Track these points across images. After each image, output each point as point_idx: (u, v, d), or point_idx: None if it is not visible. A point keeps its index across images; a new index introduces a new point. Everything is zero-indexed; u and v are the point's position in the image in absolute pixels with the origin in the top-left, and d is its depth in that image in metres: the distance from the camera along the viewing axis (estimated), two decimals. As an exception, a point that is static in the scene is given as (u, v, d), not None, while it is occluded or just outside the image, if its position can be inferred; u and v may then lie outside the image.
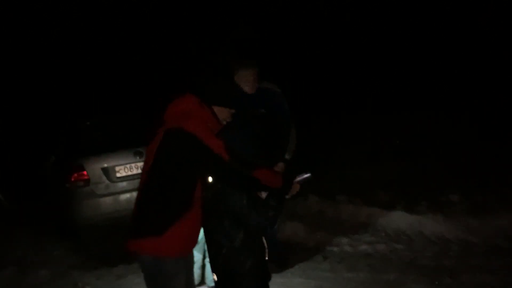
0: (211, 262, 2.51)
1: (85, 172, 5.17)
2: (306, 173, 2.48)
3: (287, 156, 3.98)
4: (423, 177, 6.64)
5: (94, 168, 5.23)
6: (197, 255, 3.41)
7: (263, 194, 2.48)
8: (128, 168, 5.30)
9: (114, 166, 5.27)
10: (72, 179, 5.19)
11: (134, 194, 2.85)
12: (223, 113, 2.39)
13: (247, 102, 3.75)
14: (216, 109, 2.36)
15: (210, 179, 2.37)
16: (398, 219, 4.98)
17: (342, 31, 11.50)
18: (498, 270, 3.84)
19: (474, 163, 6.90)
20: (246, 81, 3.80)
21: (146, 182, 2.29)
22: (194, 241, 2.39)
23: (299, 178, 2.47)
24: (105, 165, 5.26)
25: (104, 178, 5.24)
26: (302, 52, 11.68)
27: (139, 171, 5.05)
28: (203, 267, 3.58)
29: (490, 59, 9.77)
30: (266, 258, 2.54)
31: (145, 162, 2.36)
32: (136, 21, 12.06)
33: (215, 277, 2.49)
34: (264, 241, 2.54)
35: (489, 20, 9.84)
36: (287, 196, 2.44)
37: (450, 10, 10.40)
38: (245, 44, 10.43)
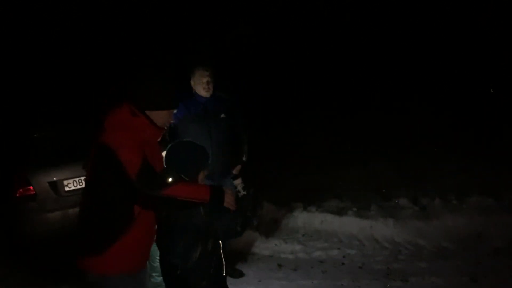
0: (164, 279, 2.46)
1: (31, 187, 4.93)
2: (248, 189, 2.44)
3: (244, 158, 4.18)
4: (374, 183, 6.84)
5: (41, 182, 4.99)
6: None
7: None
8: (77, 181, 5.10)
9: (62, 180, 5.06)
10: (18, 195, 4.94)
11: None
12: (161, 117, 2.26)
13: (207, 107, 3.96)
14: (153, 114, 2.23)
15: None
16: (350, 224, 5.12)
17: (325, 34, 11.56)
18: (445, 271, 4.03)
19: (423, 168, 7.19)
20: (200, 82, 3.96)
21: (85, 200, 2.25)
22: (141, 257, 2.33)
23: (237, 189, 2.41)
24: (53, 179, 5.04)
25: (52, 192, 5.01)
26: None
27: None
28: None
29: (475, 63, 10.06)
30: (224, 274, 2.50)
31: (85, 178, 2.32)
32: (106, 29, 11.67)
33: None
34: (223, 256, 2.48)
35: (489, 21, 10.10)
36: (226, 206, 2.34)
37: (450, 11, 10.64)
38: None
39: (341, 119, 10.11)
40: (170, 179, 2.17)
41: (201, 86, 3.96)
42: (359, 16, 11.19)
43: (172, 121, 2.38)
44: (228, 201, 2.30)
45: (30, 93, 10.98)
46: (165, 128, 2.36)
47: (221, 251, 2.47)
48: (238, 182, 3.97)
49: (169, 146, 2.48)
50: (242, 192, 2.44)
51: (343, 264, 4.42)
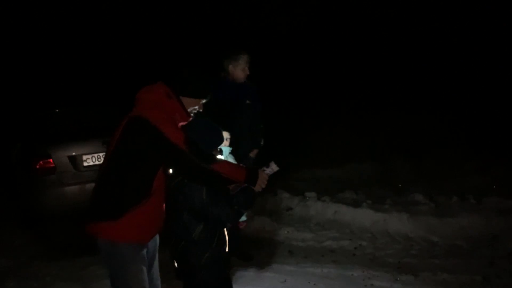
0: (170, 250, 2.52)
1: (51, 160, 5.04)
2: (272, 163, 2.50)
3: (261, 143, 4.26)
4: (390, 178, 6.79)
5: (60, 156, 5.10)
6: None
7: (233, 189, 2.47)
8: (96, 157, 5.19)
9: (81, 155, 5.15)
10: (38, 167, 5.05)
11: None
12: (191, 103, 2.41)
13: (236, 92, 4.05)
14: (184, 100, 2.38)
15: (171, 170, 2.37)
16: (364, 217, 5.09)
17: (331, 31, 11.58)
18: (456, 269, 3.98)
19: (441, 166, 7.11)
20: (243, 68, 4.04)
21: (106, 167, 2.30)
22: (153, 230, 2.39)
23: (267, 170, 2.48)
24: (73, 153, 5.14)
25: (70, 166, 5.11)
26: (290, 51, 11.74)
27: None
28: None
29: (481, 64, 9.97)
30: (227, 250, 2.56)
31: (108, 148, 2.37)
32: (125, 19, 11.84)
33: (176, 265, 2.51)
34: (226, 233, 2.55)
35: (487, 22, 9.98)
36: (256, 189, 2.44)
37: (447, 13, 10.55)
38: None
39: (361, 116, 10.07)
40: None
41: (243, 72, 4.05)
42: (382, 17, 11.14)
43: (200, 110, 2.46)
44: (260, 182, 2.42)
45: (55, 73, 11.24)
46: (192, 115, 2.45)
47: (224, 229, 2.53)
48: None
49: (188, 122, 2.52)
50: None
51: (354, 255, 4.41)
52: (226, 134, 3.33)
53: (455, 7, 10.32)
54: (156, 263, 2.54)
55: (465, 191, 5.72)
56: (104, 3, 11.62)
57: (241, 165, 2.57)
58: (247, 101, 4.11)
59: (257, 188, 2.43)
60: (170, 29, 11.87)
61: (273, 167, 2.49)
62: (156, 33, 11.88)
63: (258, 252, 4.45)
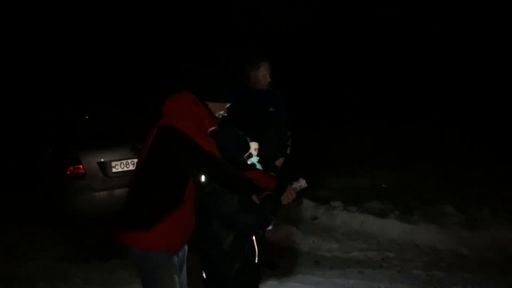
0: (200, 260, 2.54)
1: (81, 166, 5.14)
2: (302, 180, 2.48)
3: (288, 152, 4.21)
4: (418, 187, 6.68)
5: (90, 162, 5.19)
6: None
7: (257, 198, 2.48)
8: (125, 163, 5.28)
9: (110, 161, 5.24)
10: (68, 172, 5.16)
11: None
12: (217, 108, 2.42)
13: (257, 99, 4.02)
14: (210, 104, 2.39)
15: (203, 178, 2.38)
16: (391, 228, 5.02)
17: (339, 37, 11.52)
18: (487, 283, 3.89)
19: (470, 175, 6.95)
20: (265, 75, 4.03)
21: (138, 176, 2.33)
22: (184, 238, 2.41)
23: (295, 185, 2.47)
24: (102, 159, 5.23)
25: (100, 172, 5.20)
26: (304, 57, 11.70)
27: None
28: None
29: (490, 69, 9.80)
30: (256, 261, 2.55)
31: (139, 156, 2.40)
32: (136, 20, 11.97)
33: (204, 275, 2.52)
34: (255, 243, 2.55)
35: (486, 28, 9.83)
36: (283, 200, 2.43)
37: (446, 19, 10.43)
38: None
39: (386, 124, 9.96)
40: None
41: (265, 79, 4.04)
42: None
43: (225, 114, 2.47)
44: (287, 196, 2.39)
45: (84, 79, 11.45)
46: (219, 119, 2.46)
47: (254, 239, 2.53)
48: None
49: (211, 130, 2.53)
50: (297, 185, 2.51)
51: (381, 266, 4.34)
52: (255, 145, 3.33)
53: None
54: (184, 271, 2.56)
55: (495, 201, 5.58)
56: (107, 5, 11.77)
57: (272, 173, 2.56)
58: (271, 109, 4.09)
59: (284, 199, 2.41)
60: (170, 29, 11.90)
61: (302, 183, 2.47)
62: (156, 33, 11.92)
63: (283, 261, 4.42)
